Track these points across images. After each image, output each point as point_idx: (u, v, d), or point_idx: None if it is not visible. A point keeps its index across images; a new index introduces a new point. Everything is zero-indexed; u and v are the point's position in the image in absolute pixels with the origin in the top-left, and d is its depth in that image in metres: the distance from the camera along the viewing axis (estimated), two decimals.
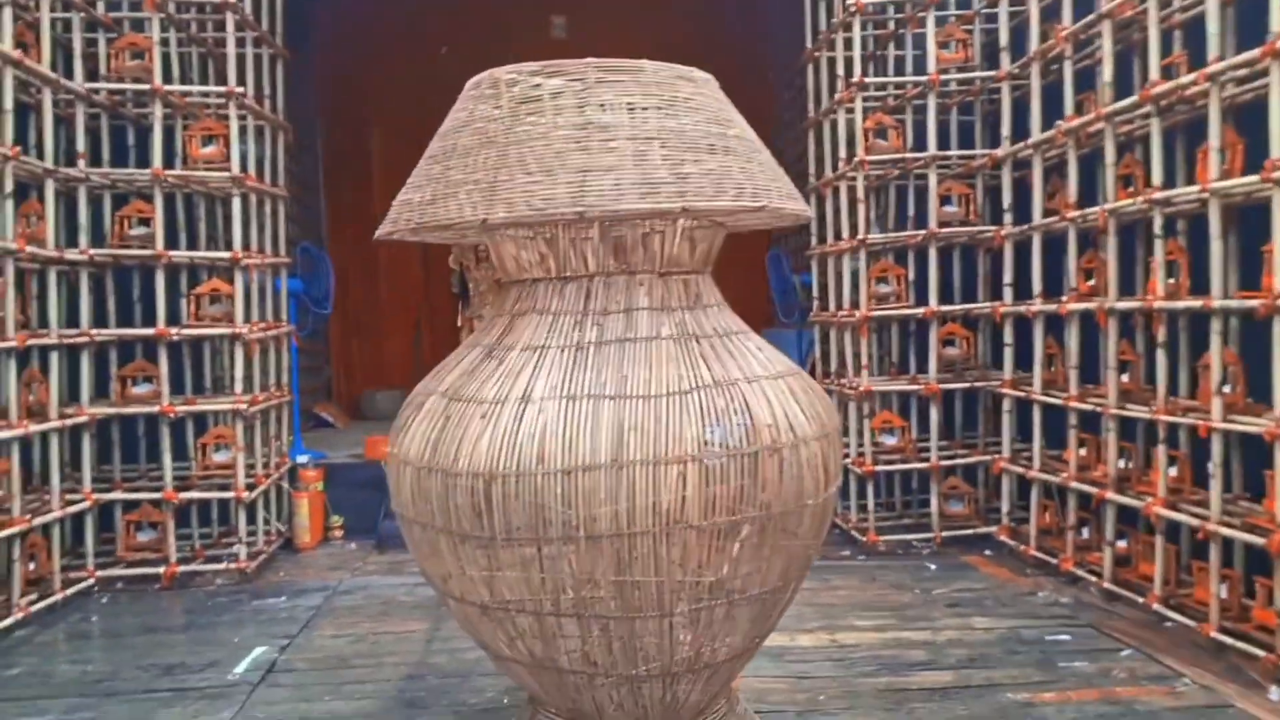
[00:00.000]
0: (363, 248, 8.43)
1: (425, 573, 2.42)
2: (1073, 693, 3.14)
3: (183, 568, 4.71)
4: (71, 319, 4.59)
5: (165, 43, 4.76)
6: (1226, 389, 3.41)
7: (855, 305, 5.10)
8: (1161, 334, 3.73)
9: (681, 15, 8.26)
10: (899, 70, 5.60)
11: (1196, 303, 3.50)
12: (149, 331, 4.74)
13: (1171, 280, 3.73)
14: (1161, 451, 3.74)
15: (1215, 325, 3.43)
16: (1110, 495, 4.01)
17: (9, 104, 3.99)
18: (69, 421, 4.44)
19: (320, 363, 8.37)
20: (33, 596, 4.10)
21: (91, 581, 4.54)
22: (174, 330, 4.73)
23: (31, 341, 4.19)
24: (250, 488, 4.85)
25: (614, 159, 2.08)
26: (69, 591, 4.31)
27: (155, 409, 4.69)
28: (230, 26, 4.74)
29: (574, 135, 2.11)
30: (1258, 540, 3.20)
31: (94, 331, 4.68)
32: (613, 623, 2.14)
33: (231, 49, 4.73)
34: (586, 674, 2.24)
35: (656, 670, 2.23)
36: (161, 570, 4.64)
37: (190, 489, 4.91)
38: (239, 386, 4.82)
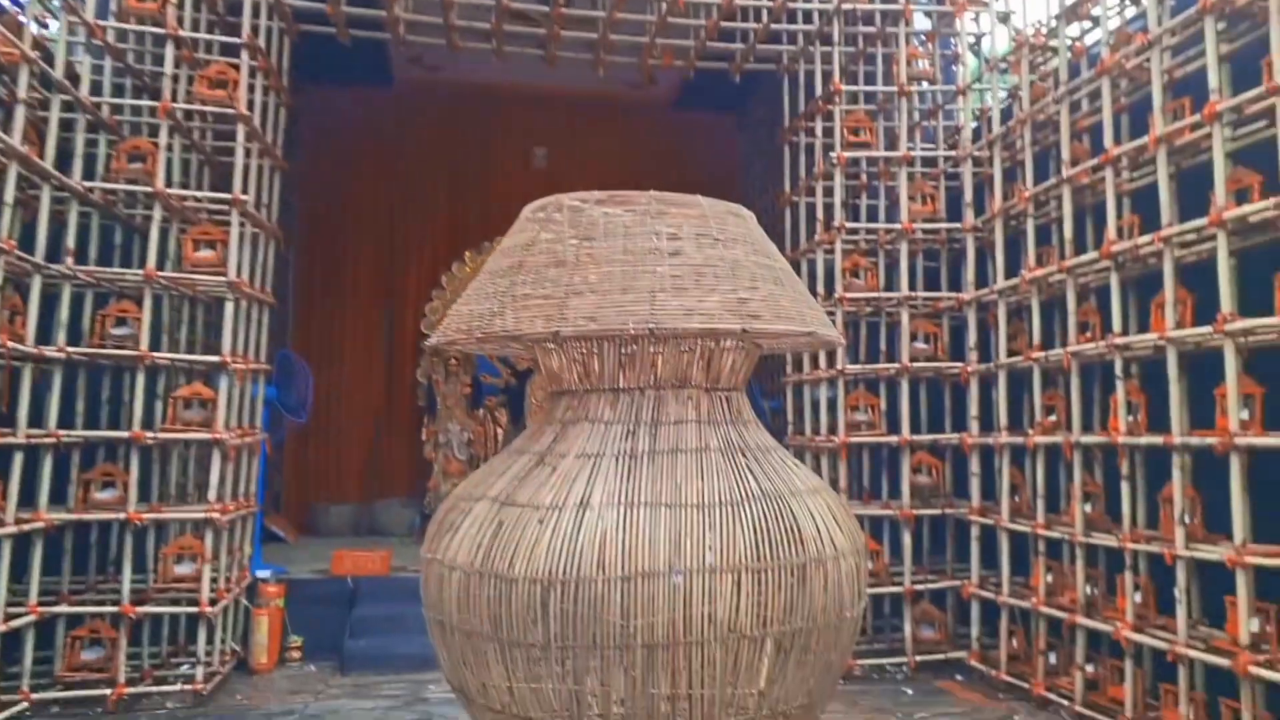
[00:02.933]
0: (325, 357, 8.43)
1: (458, 684, 2.40)
2: None
3: (130, 689, 4.40)
4: (34, 419, 4.42)
5: (169, 147, 4.85)
6: (1186, 519, 3.66)
7: (833, 431, 5.31)
8: (1125, 467, 4.00)
9: (655, 152, 8.73)
10: (871, 218, 6.01)
11: (1158, 439, 3.79)
12: (124, 434, 4.63)
13: (1131, 418, 4.02)
14: (1129, 578, 3.94)
15: (1176, 460, 3.70)
16: (1080, 620, 4.17)
17: (10, 197, 4.01)
18: (26, 527, 4.22)
19: (271, 472, 8.17)
20: None
21: (25, 706, 4.17)
22: (149, 434, 4.63)
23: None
24: (213, 602, 4.66)
25: (680, 282, 2.25)
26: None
27: (120, 515, 4.52)
28: (240, 137, 4.87)
29: (642, 259, 2.28)
30: (1223, 662, 3.37)
31: (61, 432, 4.53)
32: None
33: (239, 159, 4.85)
34: None
35: None
36: (108, 693, 4.29)
37: (146, 602, 4.69)
38: (212, 494, 4.70)
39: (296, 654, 5.35)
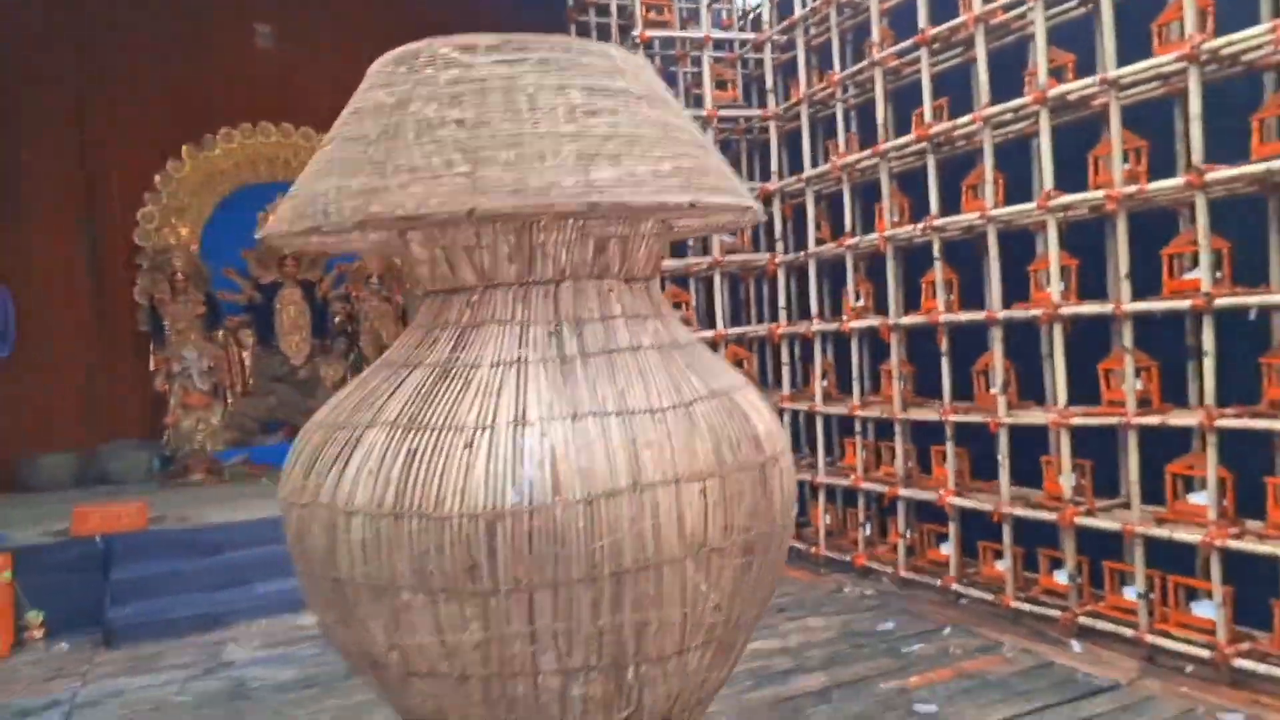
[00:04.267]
0: (15, 281, 6.91)
1: (359, 649, 1.96)
2: (931, 674, 3.36)
3: None
4: None
5: None
6: (1005, 389, 3.90)
7: None
8: (944, 344, 4.18)
9: (409, 31, 7.84)
10: None
11: (980, 315, 3.97)
12: None
13: (949, 298, 4.19)
14: (950, 449, 4.17)
15: (996, 334, 3.90)
16: (903, 492, 4.39)
17: None
18: None
19: None
20: None
21: None
22: None
23: None
24: None
25: (612, 147, 1.87)
26: None
27: None
28: None
29: (556, 120, 1.87)
30: (1049, 516, 3.67)
31: None
32: (631, 669, 1.89)
33: None
34: None
35: (662, 712, 2.01)
36: None
37: None
38: None
39: (38, 633, 4.42)
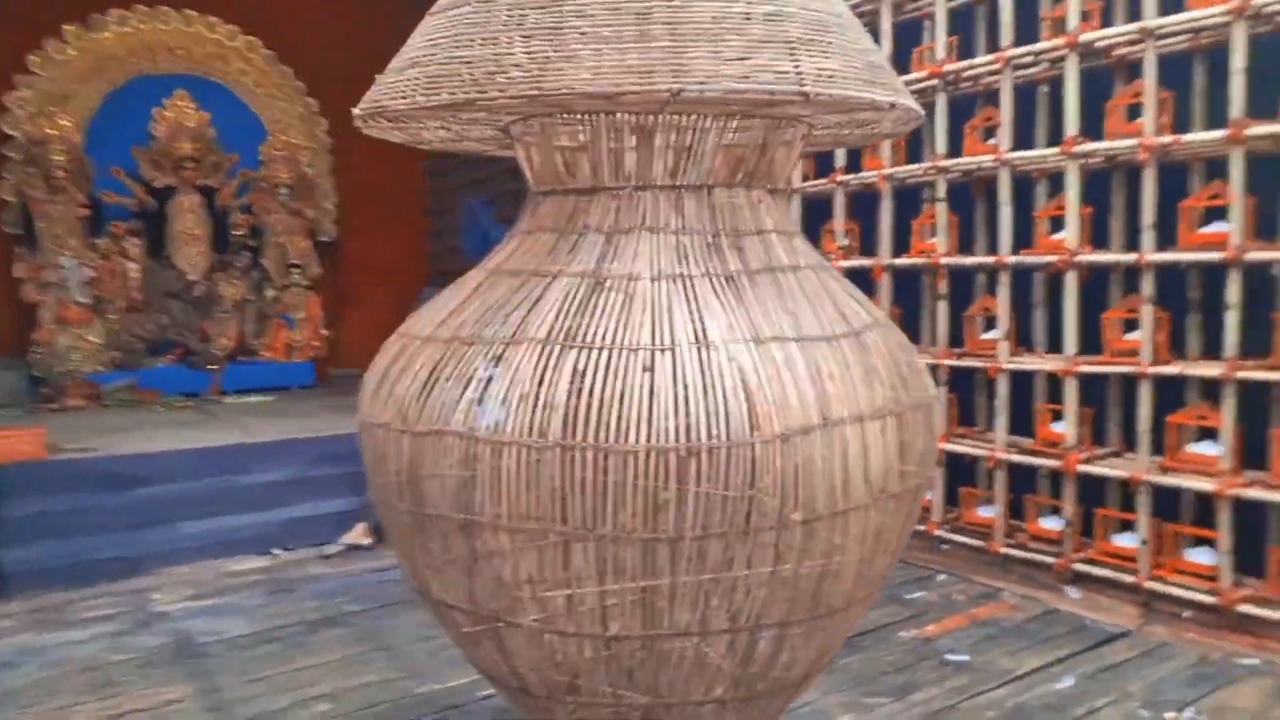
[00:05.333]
0: None
1: (487, 602, 1.68)
2: (948, 622, 3.35)
3: None
4: None
5: None
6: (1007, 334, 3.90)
7: None
8: (943, 287, 4.13)
9: None
10: None
11: (989, 259, 3.93)
12: None
13: (946, 240, 4.13)
14: (943, 394, 4.15)
15: (1004, 279, 3.88)
16: None
17: None
18: None
19: None
20: None
21: None
22: None
23: None
24: None
25: (818, 35, 1.62)
26: None
27: None
28: None
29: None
30: (1052, 463, 3.71)
31: None
32: (802, 627, 1.70)
33: None
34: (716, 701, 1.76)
35: (794, 680, 1.84)
36: None
37: None
38: None
39: None
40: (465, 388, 1.61)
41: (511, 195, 6.92)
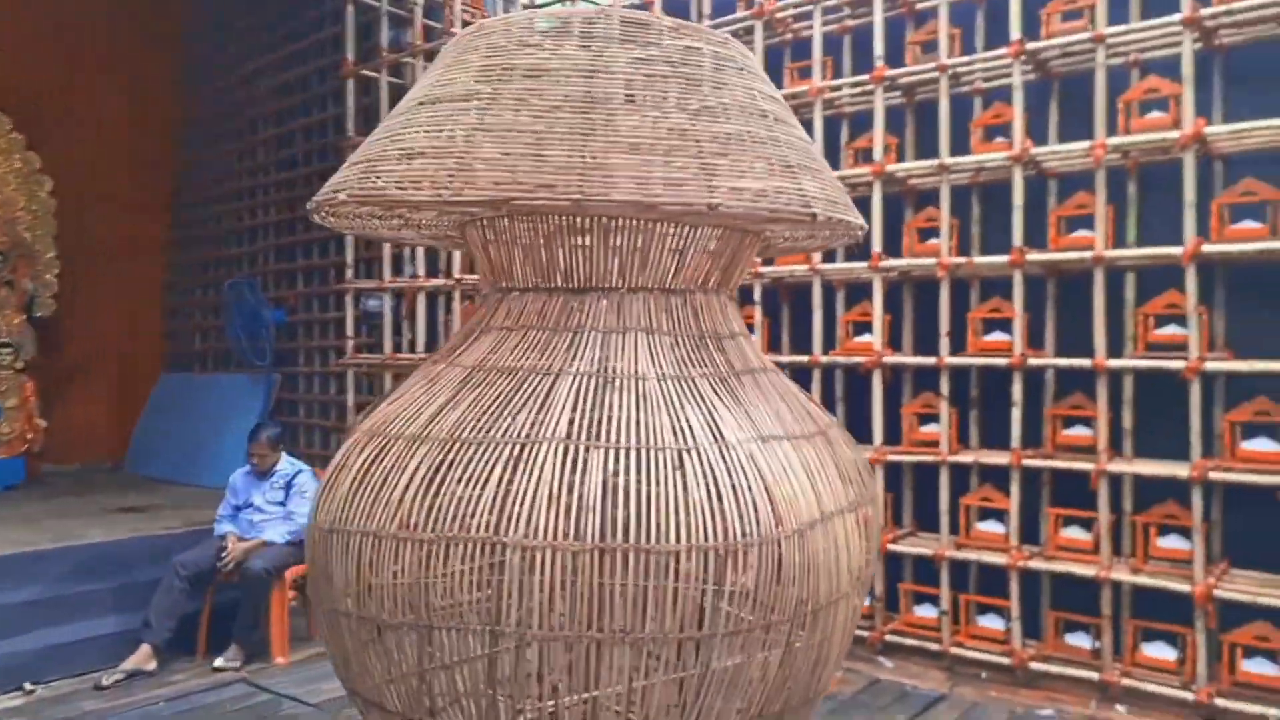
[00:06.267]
0: None
1: (516, 707, 1.58)
2: None
3: None
4: None
5: None
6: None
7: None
8: None
9: None
10: None
11: (804, 358, 4.31)
12: None
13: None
14: None
15: (816, 375, 4.26)
16: None
17: None
18: None
19: None
20: None
21: None
22: None
23: None
24: None
25: (791, 156, 1.79)
26: None
27: None
28: None
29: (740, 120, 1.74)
30: None
31: None
32: (789, 716, 1.76)
33: None
34: None
35: None
36: None
37: None
38: None
39: None
40: (479, 489, 1.54)
41: (276, 274, 6.52)
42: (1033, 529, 3.88)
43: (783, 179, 1.67)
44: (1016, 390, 3.73)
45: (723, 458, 1.61)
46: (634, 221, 1.73)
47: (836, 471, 1.82)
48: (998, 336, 3.88)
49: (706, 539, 1.52)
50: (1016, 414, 3.73)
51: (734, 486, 1.58)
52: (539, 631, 1.50)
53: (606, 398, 1.65)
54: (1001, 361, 3.75)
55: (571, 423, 1.60)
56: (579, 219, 1.71)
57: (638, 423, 1.61)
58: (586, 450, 1.57)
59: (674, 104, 1.64)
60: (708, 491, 1.56)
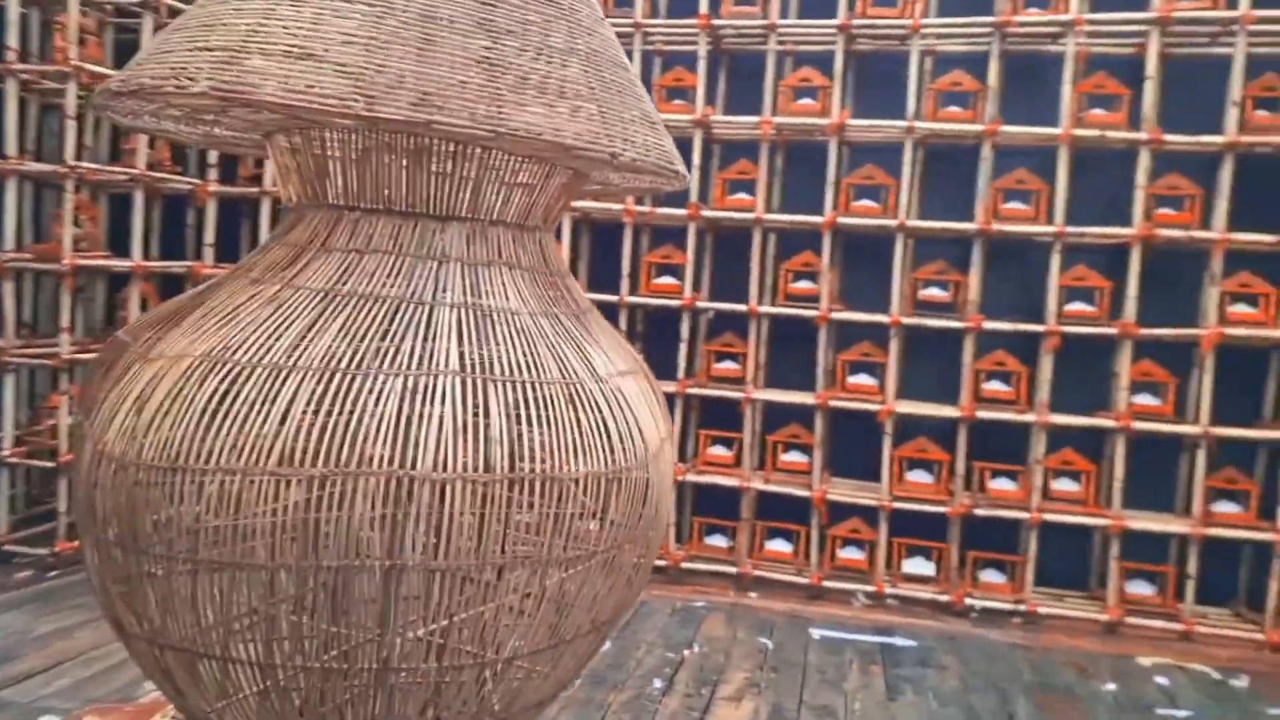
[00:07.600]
0: None
1: (366, 651, 1.54)
2: None
3: None
4: None
5: None
6: None
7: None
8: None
9: None
10: None
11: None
12: None
13: None
14: None
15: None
16: None
17: None
18: None
19: None
20: None
21: None
22: None
23: None
24: None
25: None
26: None
27: None
28: None
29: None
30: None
31: None
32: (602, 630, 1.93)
33: None
34: None
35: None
36: None
37: None
38: None
39: None
40: (379, 420, 1.47)
41: None
42: (683, 447, 4.45)
43: (649, 131, 1.78)
44: (685, 328, 4.22)
45: (600, 391, 1.71)
46: (489, 153, 1.72)
47: (658, 406, 2.01)
48: (668, 280, 4.33)
49: (602, 467, 1.63)
50: (684, 349, 4.23)
51: (614, 418, 1.70)
52: (443, 563, 1.49)
53: (486, 331, 1.65)
54: (674, 303, 4.21)
55: (463, 355, 1.58)
56: (438, 142, 1.65)
57: (524, 356, 1.64)
58: (484, 384, 1.57)
59: (540, 50, 1.64)
60: (595, 424, 1.66)
